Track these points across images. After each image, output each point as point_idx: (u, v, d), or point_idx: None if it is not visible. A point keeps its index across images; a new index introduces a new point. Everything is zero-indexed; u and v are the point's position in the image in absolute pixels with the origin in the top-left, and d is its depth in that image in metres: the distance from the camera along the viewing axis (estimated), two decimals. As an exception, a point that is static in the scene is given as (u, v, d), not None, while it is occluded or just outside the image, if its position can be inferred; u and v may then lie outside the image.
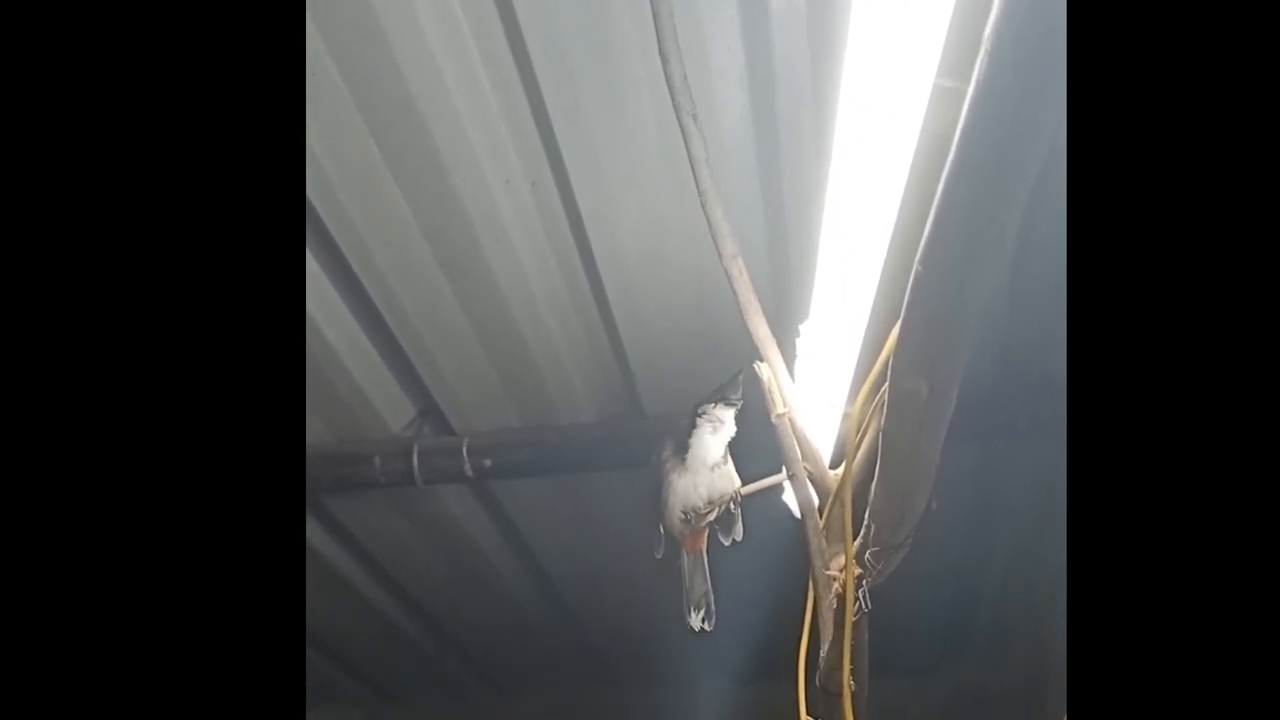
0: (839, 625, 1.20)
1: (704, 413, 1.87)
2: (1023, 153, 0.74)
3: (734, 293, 1.46)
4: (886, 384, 1.04)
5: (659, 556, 1.93)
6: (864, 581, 1.20)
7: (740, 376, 1.86)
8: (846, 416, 1.59)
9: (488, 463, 2.52)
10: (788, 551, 1.80)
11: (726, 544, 1.91)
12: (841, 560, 1.33)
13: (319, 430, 2.53)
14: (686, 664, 3.55)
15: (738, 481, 1.83)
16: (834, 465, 1.48)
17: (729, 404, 1.85)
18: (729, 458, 1.86)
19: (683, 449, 1.85)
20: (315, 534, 2.92)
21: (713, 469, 1.83)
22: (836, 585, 1.20)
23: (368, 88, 1.73)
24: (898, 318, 1.08)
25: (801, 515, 1.31)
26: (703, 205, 1.46)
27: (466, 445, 2.52)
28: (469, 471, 2.53)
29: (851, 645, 1.19)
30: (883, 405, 1.09)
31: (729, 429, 1.85)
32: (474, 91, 1.75)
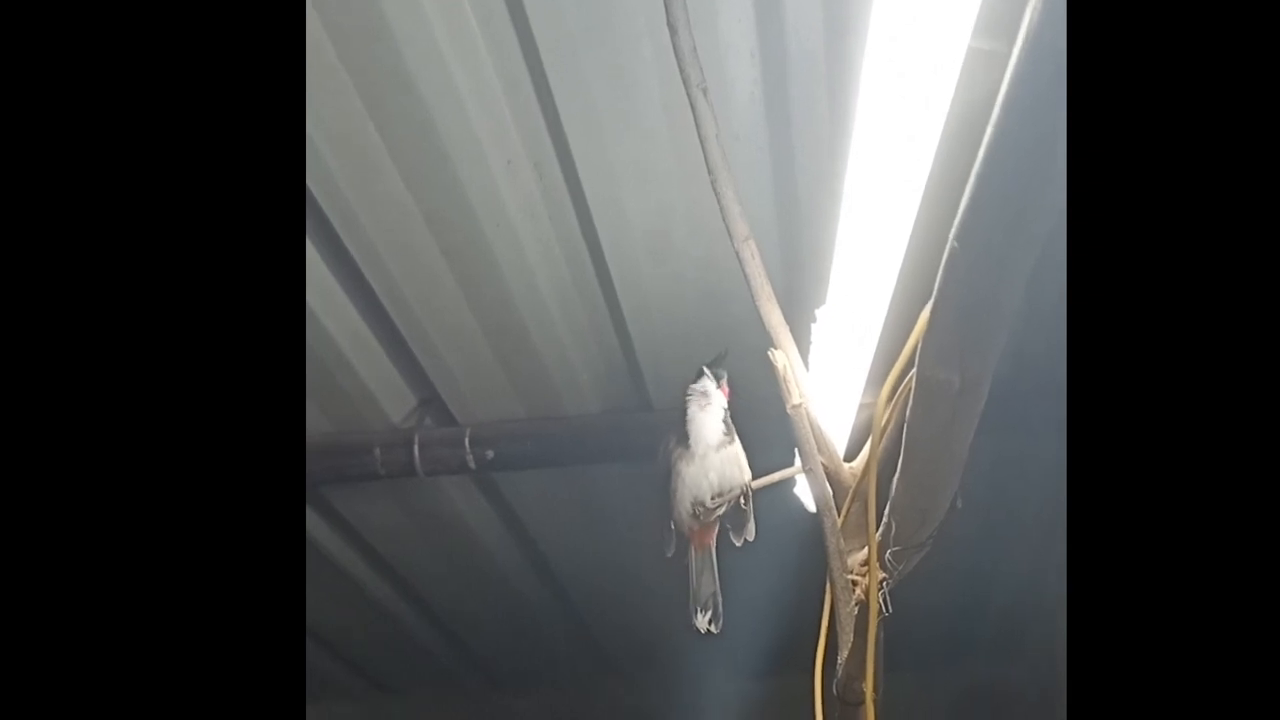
0: (860, 633, 1.12)
1: (689, 395, 1.81)
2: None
3: (746, 278, 1.39)
4: (913, 373, 0.97)
5: (670, 555, 1.86)
6: (884, 584, 1.13)
7: (724, 354, 1.84)
8: (864, 407, 1.52)
9: (490, 454, 2.46)
10: (800, 544, 1.74)
11: (739, 544, 1.85)
12: (859, 557, 1.26)
13: (317, 421, 2.47)
14: (692, 659, 3.49)
15: (748, 473, 1.77)
16: (849, 458, 1.41)
17: (707, 375, 1.80)
18: (734, 436, 1.80)
19: (684, 437, 1.80)
20: (314, 526, 2.87)
21: (718, 449, 1.77)
22: (859, 591, 1.13)
23: (365, 67, 1.66)
24: (922, 303, 1.01)
25: (819, 512, 1.24)
26: (713, 185, 1.39)
27: (469, 436, 2.46)
28: (471, 463, 2.47)
29: (874, 653, 1.12)
30: (907, 396, 1.02)
31: (717, 400, 1.80)
32: (475, 69, 1.69)
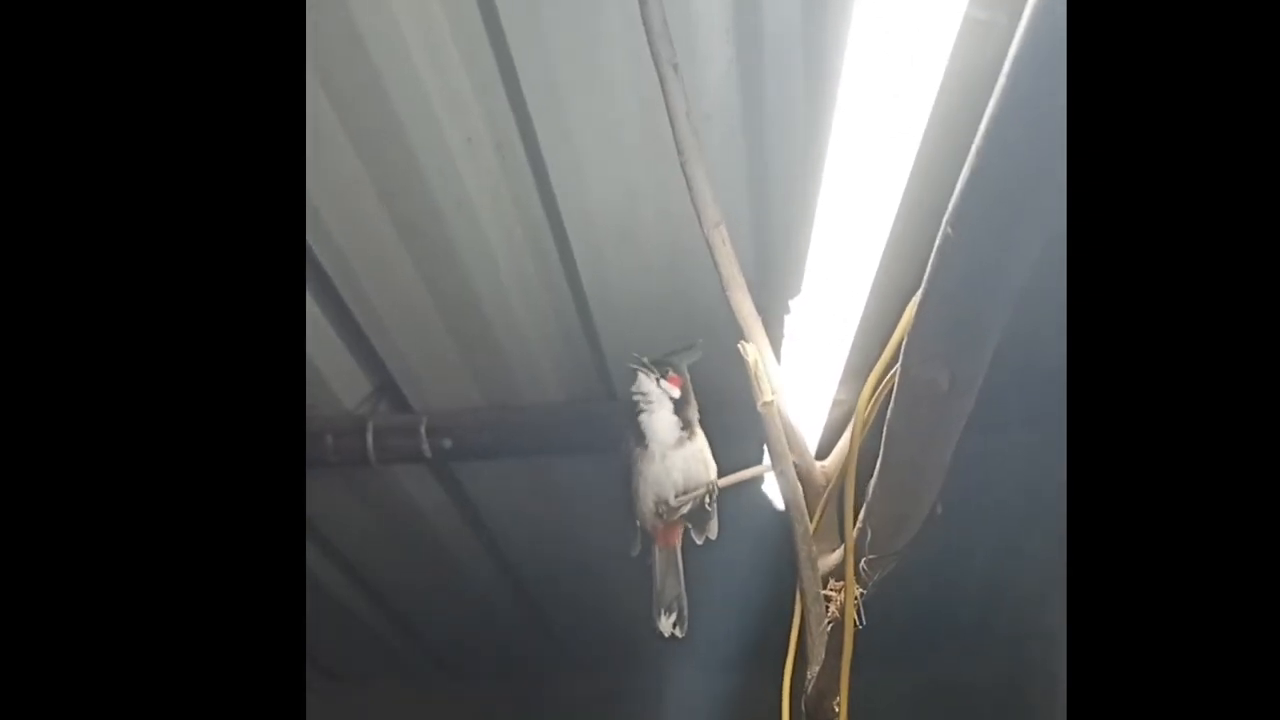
0: (833, 652, 1.05)
1: (633, 396, 1.74)
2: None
3: (715, 265, 1.31)
4: (896, 370, 0.89)
5: (635, 554, 1.78)
6: (858, 596, 1.05)
7: (685, 348, 1.76)
8: (838, 403, 1.45)
9: (447, 443, 2.38)
10: (769, 538, 1.67)
11: (700, 542, 1.77)
12: (830, 560, 1.18)
13: (266, 405, 2.36)
14: (655, 653, 3.41)
15: (714, 471, 1.69)
16: (821, 455, 1.34)
17: (645, 373, 1.71)
18: (694, 430, 1.71)
19: (640, 436, 1.71)
20: (264, 514, 2.76)
21: (677, 446, 1.68)
22: (833, 609, 1.05)
23: (316, 36, 1.57)
24: (904, 294, 0.94)
25: (790, 517, 1.16)
26: (682, 166, 1.31)
27: (425, 424, 2.38)
28: (427, 451, 2.39)
29: (847, 672, 1.05)
30: (887, 394, 0.95)
31: (661, 398, 1.71)
32: (433, 40, 1.61)
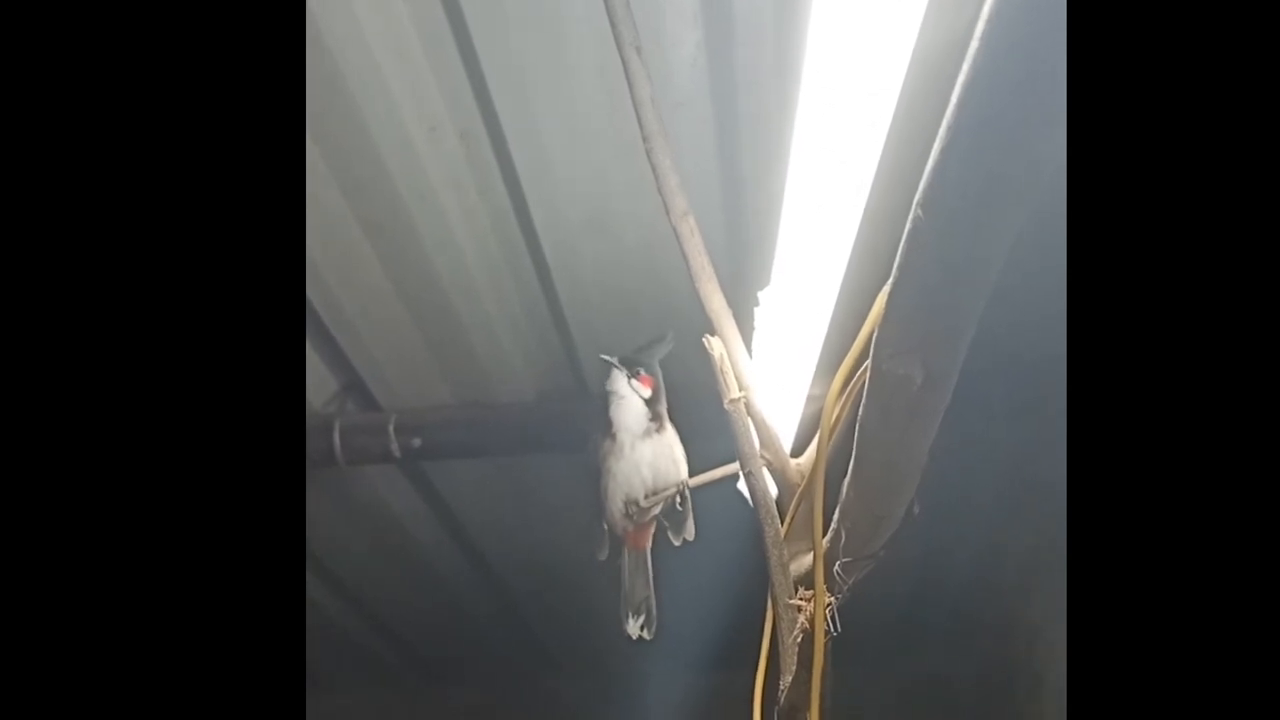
0: (804, 663, 1.00)
1: (607, 391, 1.73)
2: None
3: (684, 257, 1.26)
4: (868, 365, 0.84)
5: (603, 558, 1.73)
6: (831, 603, 1.00)
7: (657, 340, 1.75)
8: (813, 399, 1.40)
9: (416, 442, 2.33)
10: (746, 534, 1.62)
11: (677, 544, 1.72)
12: (804, 561, 1.13)
13: (230, 406, 2.30)
14: (632, 653, 3.37)
15: (685, 470, 1.64)
16: (797, 452, 1.29)
17: (617, 370, 1.69)
18: (664, 424, 1.67)
19: (608, 430, 1.68)
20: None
21: (644, 437, 1.65)
22: (803, 619, 1.00)
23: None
24: (879, 282, 0.89)
25: (760, 520, 1.11)
26: (648, 154, 1.26)
27: (393, 423, 2.32)
28: (396, 451, 2.33)
29: (819, 685, 1.00)
30: (860, 390, 0.90)
31: (632, 395, 1.69)
32: (392, 27, 1.55)
